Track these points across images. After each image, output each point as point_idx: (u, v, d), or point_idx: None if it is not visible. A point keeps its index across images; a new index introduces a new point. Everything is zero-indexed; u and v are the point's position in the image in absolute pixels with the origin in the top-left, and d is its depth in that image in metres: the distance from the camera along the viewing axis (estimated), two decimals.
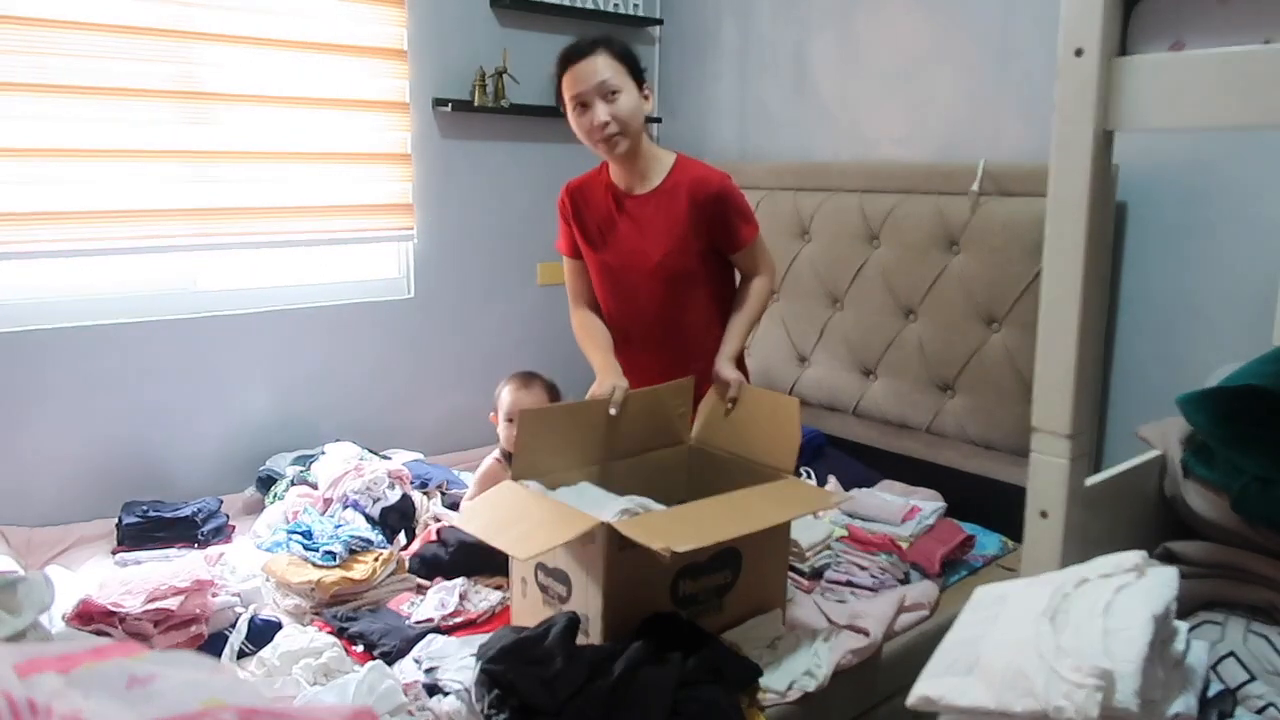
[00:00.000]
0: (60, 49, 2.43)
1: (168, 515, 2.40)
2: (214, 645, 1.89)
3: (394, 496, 2.35)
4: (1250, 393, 1.34)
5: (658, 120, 3.63)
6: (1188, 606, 1.40)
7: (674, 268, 2.11)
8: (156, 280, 2.73)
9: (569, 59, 2.04)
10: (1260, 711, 1.19)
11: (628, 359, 2.16)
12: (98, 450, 2.60)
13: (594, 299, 2.25)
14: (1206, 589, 1.41)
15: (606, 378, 2.07)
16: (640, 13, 3.49)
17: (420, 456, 2.88)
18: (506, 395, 2.39)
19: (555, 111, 3.33)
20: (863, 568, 2.16)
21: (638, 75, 2.07)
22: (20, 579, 1.64)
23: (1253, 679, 1.23)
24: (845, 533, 2.28)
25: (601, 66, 2.01)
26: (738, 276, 2.22)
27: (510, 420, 2.29)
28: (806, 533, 2.21)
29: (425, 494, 2.53)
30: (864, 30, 2.96)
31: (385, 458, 2.67)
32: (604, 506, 1.74)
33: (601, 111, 2.00)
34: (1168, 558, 1.46)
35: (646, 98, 2.09)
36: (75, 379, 2.54)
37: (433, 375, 3.22)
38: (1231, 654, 1.27)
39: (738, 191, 2.14)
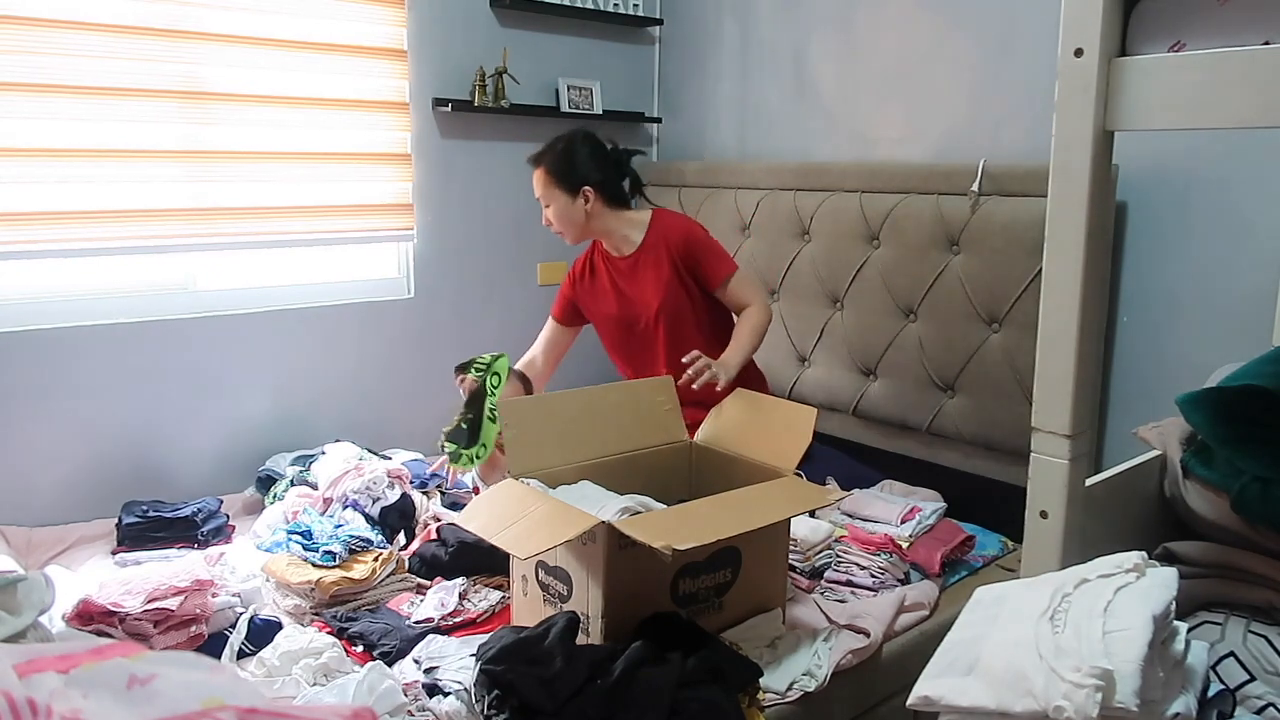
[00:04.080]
0: (60, 49, 2.42)
1: (168, 515, 2.40)
2: (214, 645, 1.89)
3: (394, 496, 2.35)
4: (1250, 393, 1.34)
5: (657, 120, 3.63)
6: (1187, 606, 1.40)
7: (672, 310, 2.44)
8: (156, 280, 2.72)
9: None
10: (1260, 711, 1.19)
11: None
12: (98, 450, 2.59)
13: (542, 360, 2.62)
14: (1206, 589, 1.41)
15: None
16: (640, 13, 3.49)
17: (420, 456, 2.87)
18: None
19: (555, 111, 3.38)
20: (863, 567, 2.16)
21: (570, 182, 2.38)
22: (20, 579, 1.65)
23: (1252, 679, 1.23)
24: (845, 533, 2.28)
25: (534, 183, 2.43)
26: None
27: None
28: (807, 532, 2.22)
29: (425, 494, 2.53)
30: (864, 30, 2.96)
31: (385, 458, 2.66)
32: (604, 505, 1.74)
33: (543, 216, 2.46)
34: (1168, 558, 1.46)
35: (587, 197, 2.39)
36: (75, 379, 2.53)
37: (433, 375, 3.21)
38: (1231, 654, 1.27)
39: (703, 233, 2.47)
